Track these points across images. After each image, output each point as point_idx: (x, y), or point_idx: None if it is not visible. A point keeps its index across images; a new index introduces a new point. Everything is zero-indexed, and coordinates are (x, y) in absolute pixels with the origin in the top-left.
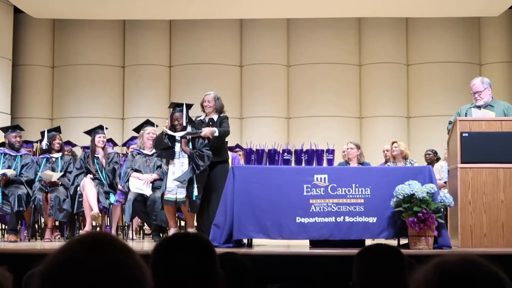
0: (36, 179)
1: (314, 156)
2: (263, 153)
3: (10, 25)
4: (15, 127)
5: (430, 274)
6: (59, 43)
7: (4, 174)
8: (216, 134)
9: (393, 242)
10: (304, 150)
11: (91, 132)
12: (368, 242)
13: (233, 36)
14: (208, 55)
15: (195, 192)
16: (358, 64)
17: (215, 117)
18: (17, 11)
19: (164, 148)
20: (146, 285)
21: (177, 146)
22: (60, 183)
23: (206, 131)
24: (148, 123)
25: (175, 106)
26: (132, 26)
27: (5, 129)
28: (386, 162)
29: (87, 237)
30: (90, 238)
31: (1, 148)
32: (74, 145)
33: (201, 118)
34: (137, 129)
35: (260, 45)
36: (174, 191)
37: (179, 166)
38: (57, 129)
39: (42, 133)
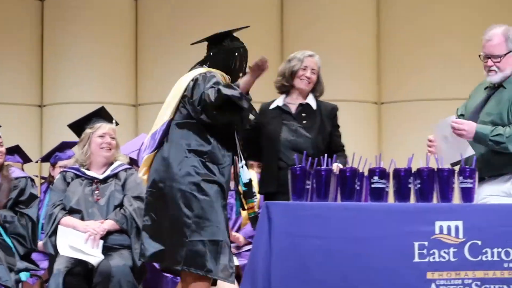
0: None
1: (434, 181)
2: (329, 176)
3: None
4: None
5: None
6: None
7: None
8: None
9: None
10: (412, 170)
11: None
12: None
13: None
14: None
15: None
16: None
17: (312, 102)
18: None
19: None
20: None
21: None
22: None
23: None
24: (99, 115)
25: None
26: None
27: None
28: None
29: None
30: None
31: None
32: None
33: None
34: (77, 128)
35: None
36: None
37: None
38: None
39: None
